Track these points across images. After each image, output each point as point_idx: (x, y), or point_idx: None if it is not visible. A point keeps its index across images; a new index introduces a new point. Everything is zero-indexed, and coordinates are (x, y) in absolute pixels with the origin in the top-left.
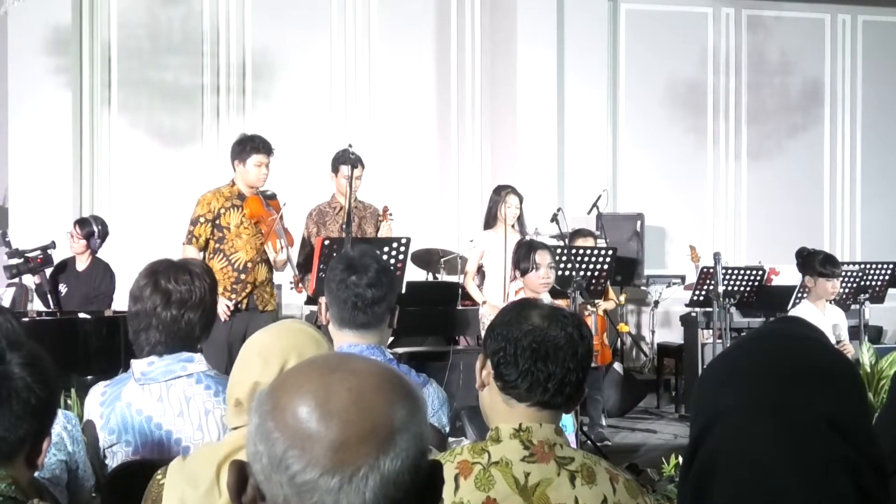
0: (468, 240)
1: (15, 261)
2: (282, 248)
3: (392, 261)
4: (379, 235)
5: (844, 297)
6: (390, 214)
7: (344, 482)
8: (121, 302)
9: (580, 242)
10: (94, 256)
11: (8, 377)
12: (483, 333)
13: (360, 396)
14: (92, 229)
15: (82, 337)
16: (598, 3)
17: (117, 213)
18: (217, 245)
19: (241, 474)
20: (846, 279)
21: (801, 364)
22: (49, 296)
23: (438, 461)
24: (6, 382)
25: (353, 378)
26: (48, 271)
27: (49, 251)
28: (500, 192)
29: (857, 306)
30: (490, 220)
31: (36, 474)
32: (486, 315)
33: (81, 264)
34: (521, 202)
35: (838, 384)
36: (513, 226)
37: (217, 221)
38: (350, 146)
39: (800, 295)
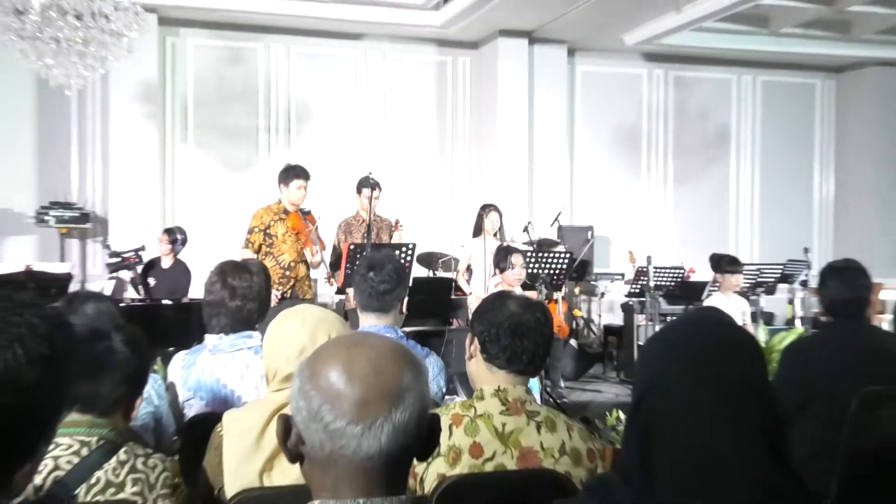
0: (460, 245)
1: (114, 260)
2: (316, 252)
3: (401, 261)
4: (392, 242)
5: (746, 290)
6: (401, 226)
7: (365, 429)
8: (195, 291)
9: (556, 249)
10: (176, 258)
11: (113, 351)
12: (471, 317)
13: (377, 365)
14: (176, 237)
15: (165, 318)
16: (559, 65)
17: (193, 223)
18: (268, 249)
19: (286, 425)
20: (747, 277)
21: (724, 341)
22: (140, 287)
23: (437, 415)
24: (111, 355)
25: (372, 351)
26: (139, 268)
27: (140, 252)
28: (485, 209)
29: (755, 297)
30: (477, 231)
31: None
32: (473, 303)
33: (166, 263)
34: (500, 217)
35: (753, 357)
36: (494, 234)
37: (267, 231)
38: (370, 173)
39: (712, 288)
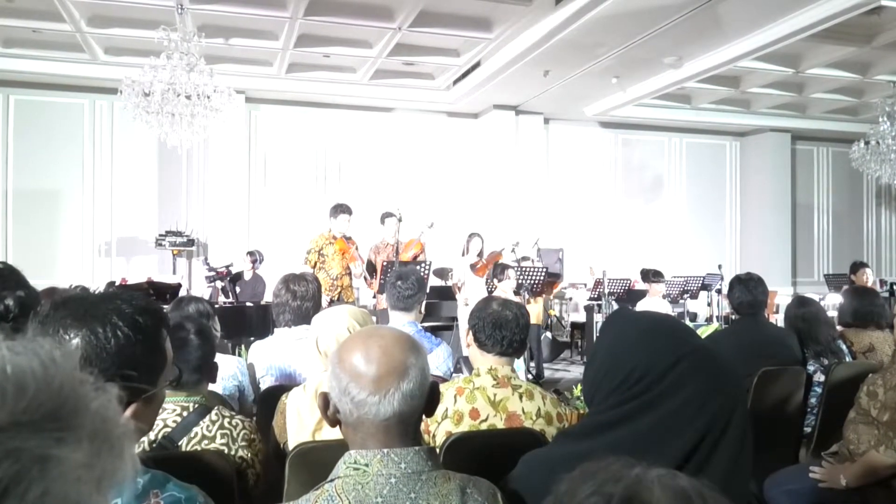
0: (457, 263)
1: (211, 273)
2: (358, 265)
3: (421, 274)
4: (413, 249)
5: (675, 296)
6: (423, 233)
7: (381, 398)
8: (269, 296)
9: (524, 264)
10: (256, 272)
11: (189, 338)
12: (463, 314)
13: (386, 349)
14: (256, 257)
15: (247, 316)
16: (537, 130)
17: (267, 246)
18: (321, 265)
19: (325, 399)
20: (676, 286)
21: (653, 323)
22: (229, 293)
23: (436, 382)
24: (189, 342)
25: (382, 340)
26: (229, 279)
27: (230, 268)
28: (470, 236)
29: (683, 301)
30: (464, 252)
31: (220, 392)
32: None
33: (248, 276)
34: (482, 242)
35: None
36: (478, 254)
37: (321, 251)
38: (397, 209)
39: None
